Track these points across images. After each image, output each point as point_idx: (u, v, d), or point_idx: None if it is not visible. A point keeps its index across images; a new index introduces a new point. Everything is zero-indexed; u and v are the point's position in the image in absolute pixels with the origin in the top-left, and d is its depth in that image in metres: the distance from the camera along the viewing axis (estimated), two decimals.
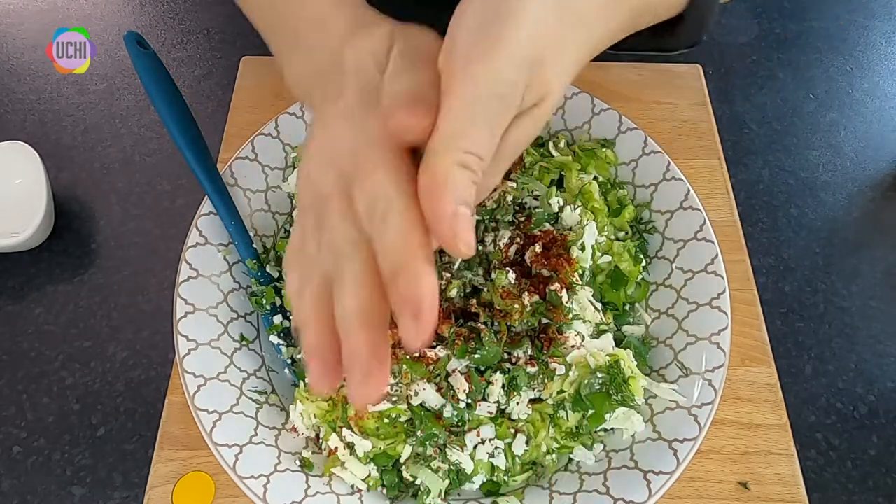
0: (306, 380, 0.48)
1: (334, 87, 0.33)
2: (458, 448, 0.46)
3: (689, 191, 0.56)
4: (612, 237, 0.56)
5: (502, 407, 0.48)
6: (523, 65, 0.29)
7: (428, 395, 0.45)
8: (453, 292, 0.48)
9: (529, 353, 0.48)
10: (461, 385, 0.46)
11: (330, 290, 0.29)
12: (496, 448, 0.47)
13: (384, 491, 0.48)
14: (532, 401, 0.48)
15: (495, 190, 0.52)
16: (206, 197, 0.54)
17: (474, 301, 0.48)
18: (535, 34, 0.29)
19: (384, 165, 0.29)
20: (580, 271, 0.51)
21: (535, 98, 0.30)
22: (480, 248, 0.50)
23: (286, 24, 0.41)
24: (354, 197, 0.29)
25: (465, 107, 0.28)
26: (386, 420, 0.46)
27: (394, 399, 0.46)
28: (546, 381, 0.48)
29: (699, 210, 0.55)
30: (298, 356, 0.52)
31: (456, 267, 0.49)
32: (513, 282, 0.48)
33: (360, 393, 0.27)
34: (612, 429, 0.49)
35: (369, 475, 0.47)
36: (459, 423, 0.46)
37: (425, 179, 0.27)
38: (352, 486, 0.47)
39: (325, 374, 0.29)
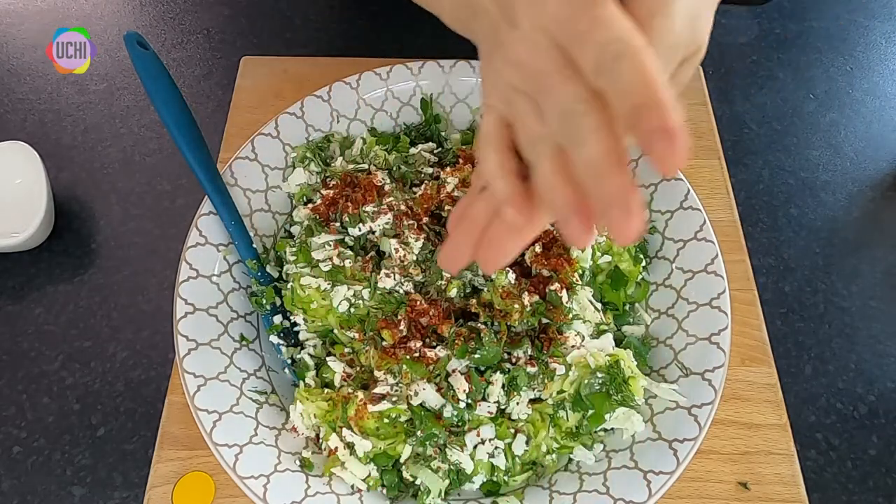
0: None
1: None
2: (458, 448, 0.46)
3: (689, 191, 0.56)
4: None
5: (502, 407, 0.48)
6: (689, 20, 0.32)
7: (428, 395, 0.45)
8: (453, 292, 0.48)
9: (529, 353, 0.48)
10: (461, 385, 0.46)
11: (565, 155, 0.30)
12: (496, 448, 0.47)
13: (384, 491, 0.48)
14: (532, 401, 0.48)
15: None
16: (206, 197, 0.54)
17: (474, 301, 0.48)
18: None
19: (608, 19, 0.29)
20: (580, 271, 0.51)
21: (694, 47, 0.34)
22: None
23: None
24: (579, 56, 0.30)
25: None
26: (386, 420, 0.46)
27: (394, 399, 0.46)
28: (546, 381, 0.48)
29: (699, 210, 0.55)
30: (298, 356, 0.52)
31: None
32: (513, 282, 0.48)
33: (626, 229, 0.28)
34: (612, 429, 0.49)
35: (369, 475, 0.47)
36: (459, 423, 0.46)
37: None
38: (352, 486, 0.47)
39: (586, 225, 0.30)
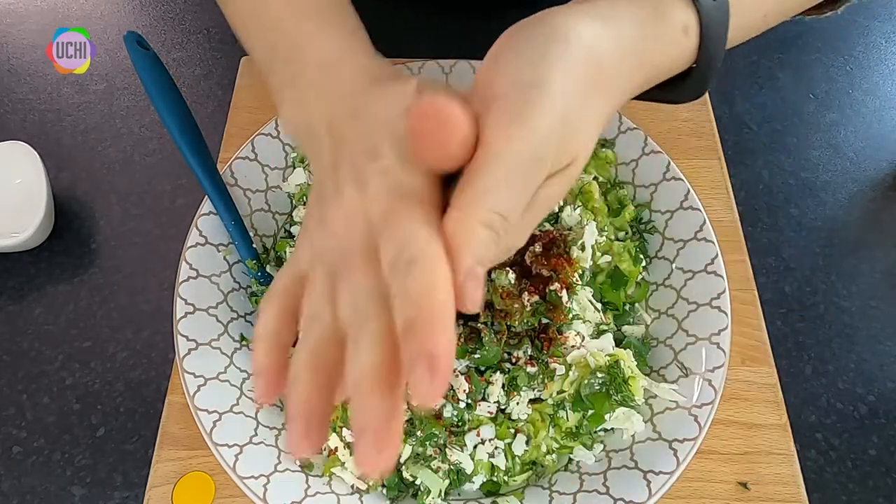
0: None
1: (362, 142, 0.32)
2: (458, 448, 0.46)
3: (689, 191, 0.56)
4: (612, 237, 0.56)
5: (502, 407, 0.48)
6: (559, 127, 0.29)
7: None
8: None
9: (529, 353, 0.48)
10: (461, 385, 0.46)
11: (332, 349, 0.29)
12: (496, 448, 0.47)
13: (384, 491, 0.48)
14: (532, 401, 0.48)
15: None
16: (206, 197, 0.54)
17: None
18: (569, 97, 0.30)
19: (419, 218, 0.28)
20: (580, 271, 0.51)
21: (568, 159, 0.31)
22: None
23: (288, 60, 0.39)
24: (381, 248, 0.28)
25: (502, 166, 0.28)
26: None
27: None
28: (546, 381, 0.48)
29: (699, 210, 0.55)
30: None
31: None
32: (513, 282, 0.48)
33: (370, 462, 0.25)
34: (612, 429, 0.49)
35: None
36: (459, 423, 0.46)
37: (450, 230, 0.28)
38: (352, 486, 0.47)
39: (308, 437, 0.28)
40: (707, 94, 0.70)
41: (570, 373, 0.47)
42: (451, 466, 0.46)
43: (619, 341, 0.52)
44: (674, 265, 0.55)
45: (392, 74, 0.36)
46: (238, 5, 0.43)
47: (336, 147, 0.33)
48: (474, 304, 0.27)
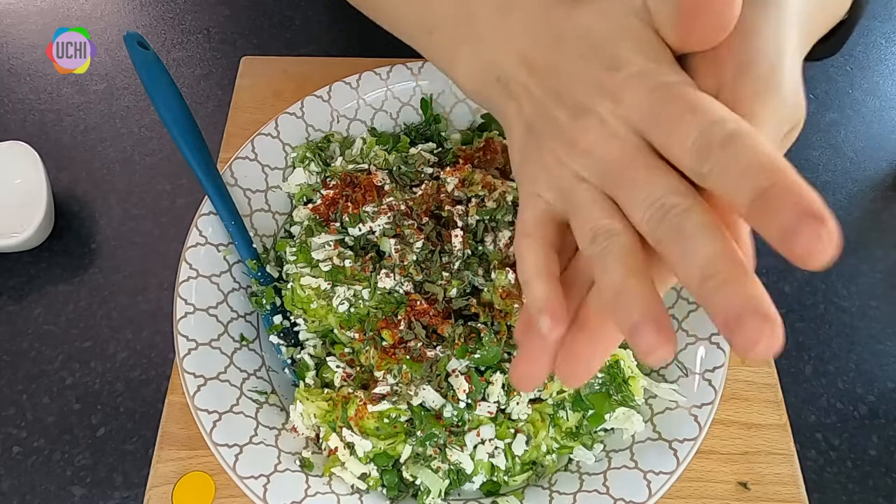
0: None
1: (589, 60, 0.30)
2: (458, 448, 0.46)
3: None
4: None
5: (502, 407, 0.48)
6: (796, 91, 0.29)
7: (428, 395, 0.45)
8: (453, 292, 0.48)
9: None
10: (461, 385, 0.46)
11: (642, 256, 0.27)
12: (496, 448, 0.47)
13: (384, 491, 0.48)
14: (532, 401, 0.48)
15: (495, 190, 0.52)
16: (206, 197, 0.54)
17: (474, 301, 0.48)
18: (796, 62, 0.30)
19: (703, 102, 0.26)
20: None
21: (798, 117, 0.30)
22: (480, 248, 0.50)
23: (454, 15, 0.37)
24: (672, 143, 0.27)
25: (766, 128, 0.28)
26: (386, 420, 0.46)
27: (394, 399, 0.46)
28: (546, 380, 0.48)
29: None
30: (298, 356, 0.52)
31: (456, 267, 0.49)
32: (513, 282, 0.48)
33: (768, 344, 0.24)
34: (612, 429, 0.49)
35: (369, 475, 0.47)
36: (459, 423, 0.46)
37: None
38: (352, 486, 0.47)
39: (666, 337, 0.25)
40: None
41: None
42: (451, 466, 0.46)
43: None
44: None
45: None
46: None
47: (544, 80, 0.32)
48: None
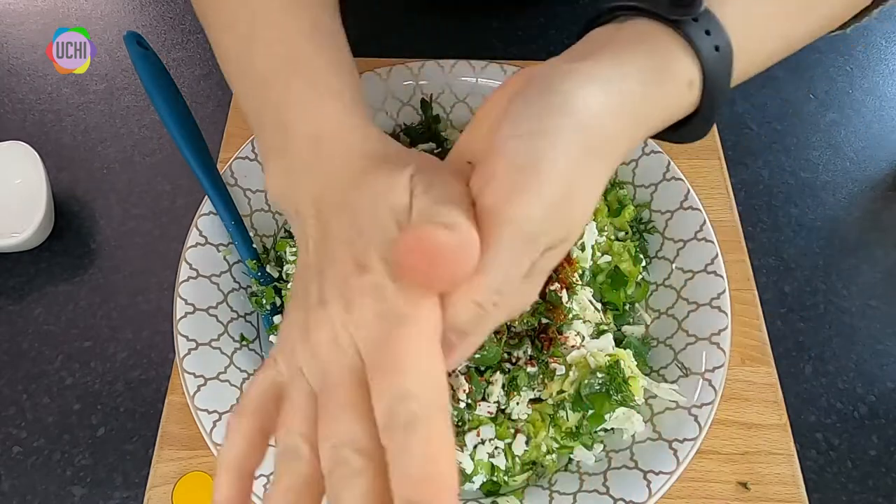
0: None
1: (348, 245, 0.30)
2: (458, 448, 0.46)
3: (689, 191, 0.56)
4: (612, 237, 0.56)
5: (502, 407, 0.48)
6: (557, 208, 0.28)
7: None
8: None
9: (529, 353, 0.48)
10: (461, 385, 0.46)
11: (310, 490, 0.27)
12: (496, 448, 0.47)
13: None
14: (532, 401, 0.48)
15: None
16: (206, 197, 0.54)
17: None
18: (570, 173, 0.28)
19: (419, 362, 0.25)
20: (580, 271, 0.51)
21: (564, 234, 0.30)
22: None
23: (276, 126, 0.36)
24: (373, 393, 0.25)
25: (498, 250, 0.27)
26: None
27: None
28: (546, 381, 0.48)
29: (699, 210, 0.55)
30: None
31: None
32: None
33: None
34: (612, 429, 0.49)
35: None
36: (459, 423, 0.46)
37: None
38: None
39: None
40: None
41: (571, 373, 0.47)
42: None
43: (619, 341, 0.52)
44: (674, 265, 0.55)
45: (386, 157, 0.33)
46: (223, 49, 0.40)
47: (323, 239, 0.31)
48: (449, 365, 0.26)
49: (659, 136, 0.36)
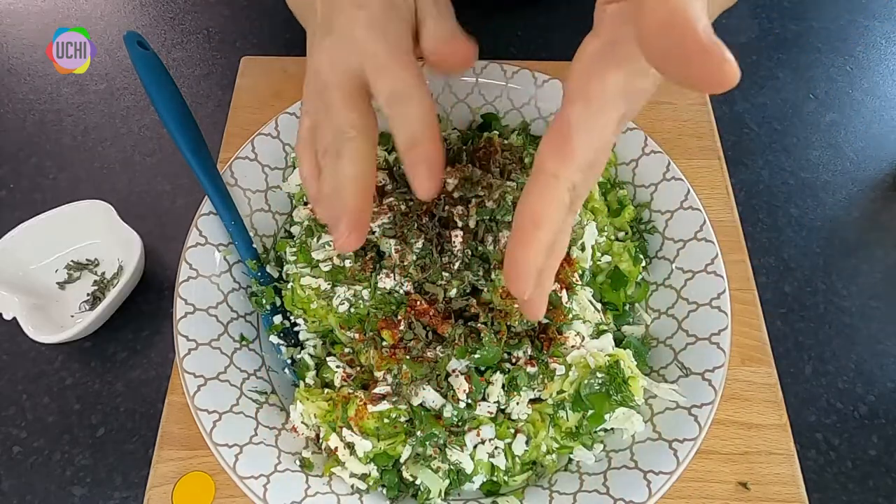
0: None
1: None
2: (458, 448, 0.46)
3: (689, 191, 0.56)
4: (612, 237, 0.56)
5: (502, 407, 0.48)
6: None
7: (428, 395, 0.45)
8: (453, 292, 0.48)
9: (529, 353, 0.48)
10: (461, 385, 0.46)
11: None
12: (496, 448, 0.47)
13: (384, 491, 0.48)
14: (532, 401, 0.48)
15: (495, 189, 0.52)
16: (206, 197, 0.54)
17: (474, 301, 0.48)
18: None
19: (408, 67, 0.37)
20: (580, 271, 0.51)
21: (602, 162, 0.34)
22: (480, 248, 0.50)
23: None
24: (375, 87, 0.37)
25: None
26: (386, 420, 0.46)
27: (394, 399, 0.46)
28: (546, 381, 0.48)
29: (699, 210, 0.55)
30: (298, 356, 0.52)
31: (456, 267, 0.49)
32: None
33: (344, 242, 0.37)
34: (612, 429, 0.49)
35: (369, 475, 0.47)
36: (459, 423, 0.46)
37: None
38: (352, 486, 0.47)
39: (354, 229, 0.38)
40: (707, 95, 0.70)
41: (570, 373, 0.47)
42: (451, 466, 0.46)
43: (619, 341, 0.52)
44: (674, 265, 0.55)
45: None
46: None
47: (327, 3, 0.40)
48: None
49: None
